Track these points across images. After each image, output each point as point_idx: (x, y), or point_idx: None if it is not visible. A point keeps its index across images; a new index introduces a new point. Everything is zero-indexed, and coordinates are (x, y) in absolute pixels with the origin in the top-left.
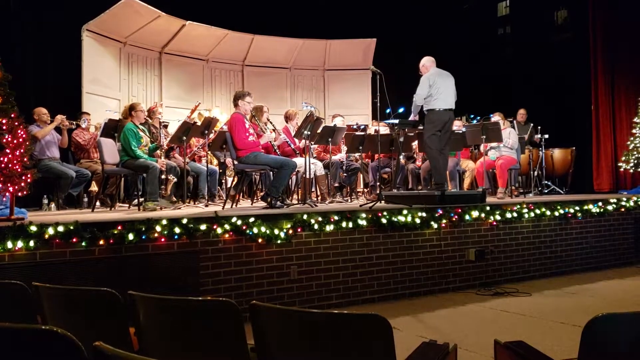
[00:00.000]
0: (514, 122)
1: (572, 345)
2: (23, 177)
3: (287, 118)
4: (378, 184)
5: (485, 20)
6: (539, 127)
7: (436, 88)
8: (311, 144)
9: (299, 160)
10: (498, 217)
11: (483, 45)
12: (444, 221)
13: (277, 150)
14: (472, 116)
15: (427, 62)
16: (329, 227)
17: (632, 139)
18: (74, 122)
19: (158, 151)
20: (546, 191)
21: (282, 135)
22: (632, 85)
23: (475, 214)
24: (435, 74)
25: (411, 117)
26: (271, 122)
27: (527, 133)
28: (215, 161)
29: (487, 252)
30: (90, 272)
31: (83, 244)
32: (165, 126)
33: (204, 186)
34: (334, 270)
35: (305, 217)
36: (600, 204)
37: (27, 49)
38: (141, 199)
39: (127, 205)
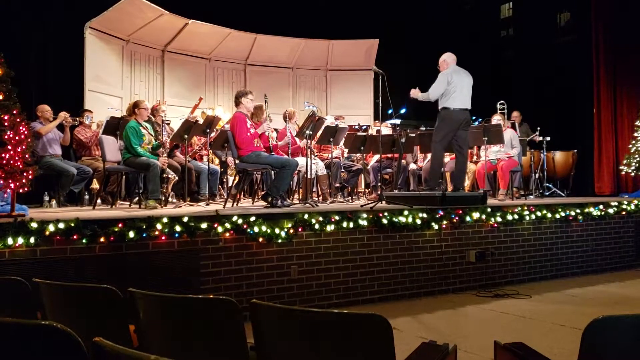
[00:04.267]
0: (515, 124)
1: (572, 348)
2: (24, 174)
3: (286, 118)
4: (379, 184)
5: (488, 22)
6: (539, 128)
7: (453, 86)
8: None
9: (300, 160)
10: (499, 219)
11: (485, 47)
12: (445, 222)
13: (270, 148)
14: (473, 118)
15: (448, 58)
16: (330, 227)
17: (633, 142)
18: (77, 119)
19: (161, 149)
20: (547, 193)
21: (288, 136)
22: (634, 88)
23: (476, 215)
24: (453, 71)
25: (419, 93)
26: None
27: (524, 134)
28: (216, 161)
29: (488, 253)
30: (91, 269)
31: (83, 241)
32: (168, 124)
33: (205, 185)
34: (335, 270)
35: (306, 216)
36: (601, 207)
37: (29, 46)
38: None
39: (128, 202)
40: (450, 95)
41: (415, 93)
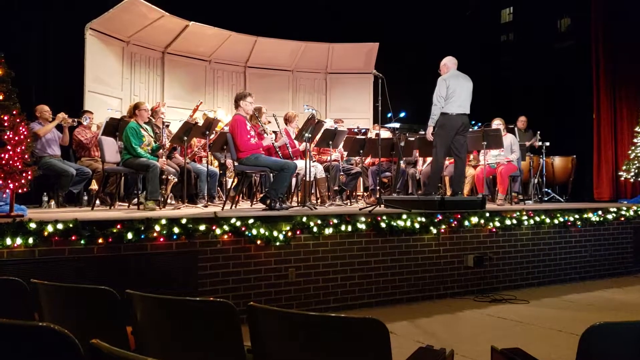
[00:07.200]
0: (515, 128)
1: (569, 354)
2: (24, 174)
3: (287, 120)
4: (378, 187)
5: (488, 26)
6: (538, 132)
7: (452, 90)
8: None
9: (299, 163)
10: (497, 224)
11: (485, 51)
12: (443, 226)
13: (279, 152)
14: (472, 122)
15: (448, 62)
16: (328, 230)
17: (633, 148)
18: (76, 120)
19: (161, 151)
20: (546, 199)
21: (284, 137)
22: (634, 94)
23: (474, 220)
24: (452, 75)
25: (428, 130)
26: (276, 120)
27: (528, 140)
28: (215, 162)
29: (486, 258)
30: (89, 270)
31: (82, 242)
32: (167, 126)
33: (203, 187)
34: (332, 274)
35: (304, 219)
36: (600, 212)
37: (30, 47)
38: (141, 198)
39: (127, 204)
40: (448, 100)
41: (428, 132)
